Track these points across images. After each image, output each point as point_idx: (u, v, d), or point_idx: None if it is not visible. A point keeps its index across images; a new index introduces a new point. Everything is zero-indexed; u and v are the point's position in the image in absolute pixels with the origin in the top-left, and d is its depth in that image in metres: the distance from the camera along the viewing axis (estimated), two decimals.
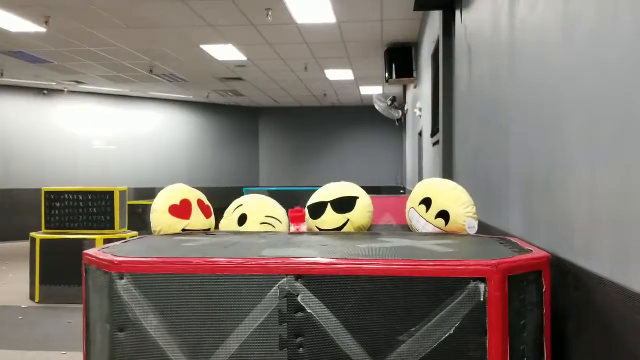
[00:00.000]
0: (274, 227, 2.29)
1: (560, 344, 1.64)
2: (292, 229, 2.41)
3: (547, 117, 1.82)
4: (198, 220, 2.19)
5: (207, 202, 2.29)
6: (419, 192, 2.25)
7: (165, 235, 2.14)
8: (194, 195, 2.25)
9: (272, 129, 17.67)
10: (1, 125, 12.81)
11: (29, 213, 12.09)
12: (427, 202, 2.17)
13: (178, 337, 1.50)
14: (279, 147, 17.60)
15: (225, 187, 15.61)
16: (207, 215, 2.25)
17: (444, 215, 2.11)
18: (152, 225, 2.19)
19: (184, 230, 2.16)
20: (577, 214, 1.53)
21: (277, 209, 2.37)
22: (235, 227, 2.27)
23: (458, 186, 2.22)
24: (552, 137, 1.76)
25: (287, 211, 2.41)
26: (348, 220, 2.24)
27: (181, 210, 2.17)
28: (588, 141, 1.46)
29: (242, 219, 2.28)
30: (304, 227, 2.37)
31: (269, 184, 16.89)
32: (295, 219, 2.40)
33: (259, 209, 2.32)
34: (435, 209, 2.13)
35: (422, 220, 2.18)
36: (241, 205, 2.33)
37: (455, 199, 2.14)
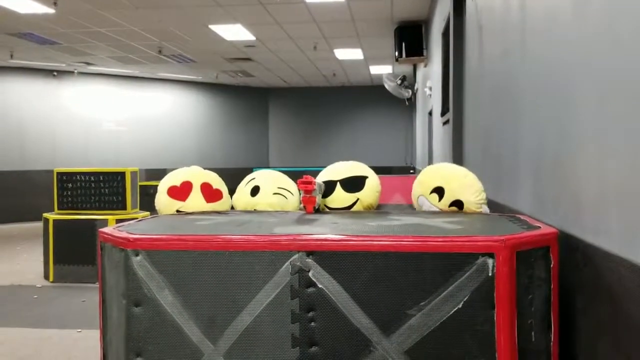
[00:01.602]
0: (285, 197, 2.32)
1: (568, 319, 1.66)
2: (301, 196, 2.38)
3: (557, 94, 1.82)
4: (194, 203, 2.22)
5: (216, 186, 2.30)
6: (429, 179, 2.24)
7: (179, 214, 2.17)
8: (200, 178, 2.27)
9: (282, 110, 17.65)
10: (13, 107, 12.89)
11: (42, 194, 12.22)
12: (439, 191, 2.17)
13: (192, 312, 1.53)
14: (289, 128, 17.60)
15: (235, 167, 15.66)
16: (210, 199, 2.26)
17: (457, 204, 2.12)
18: (154, 203, 2.27)
19: (177, 211, 2.20)
20: (586, 190, 1.54)
21: (288, 182, 2.41)
22: (248, 198, 2.30)
23: (469, 173, 2.22)
24: (562, 114, 1.76)
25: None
26: (357, 199, 2.27)
27: (179, 191, 2.22)
28: (598, 118, 1.46)
29: (255, 190, 2.32)
30: (316, 196, 2.32)
31: (278, 164, 16.92)
32: (306, 189, 2.40)
33: (271, 181, 2.37)
34: (448, 198, 2.14)
35: (434, 209, 2.18)
36: (253, 178, 2.38)
37: (468, 186, 2.14)
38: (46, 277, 6.80)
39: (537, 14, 2.11)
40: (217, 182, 2.31)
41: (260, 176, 2.39)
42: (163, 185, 2.24)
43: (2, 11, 8.06)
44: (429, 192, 2.20)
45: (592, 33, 1.51)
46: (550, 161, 1.89)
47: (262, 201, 2.29)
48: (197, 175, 2.28)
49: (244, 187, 2.36)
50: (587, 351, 1.53)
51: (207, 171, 2.33)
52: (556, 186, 1.82)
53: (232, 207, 2.36)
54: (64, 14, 8.21)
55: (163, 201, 2.22)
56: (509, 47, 2.60)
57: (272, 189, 2.33)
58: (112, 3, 7.70)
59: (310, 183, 2.15)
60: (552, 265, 1.56)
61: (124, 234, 1.60)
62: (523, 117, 2.31)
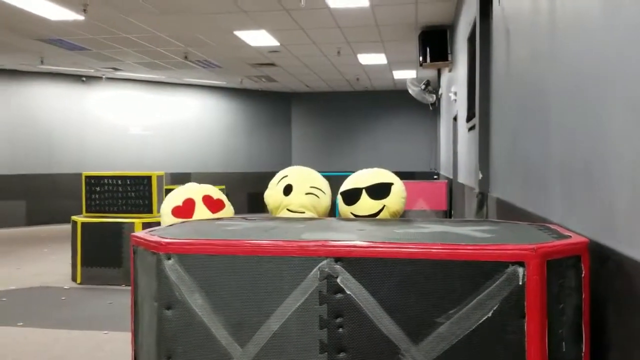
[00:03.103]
0: (318, 197, 2.33)
1: (600, 330, 1.64)
2: None
3: (588, 100, 1.80)
4: (201, 216, 2.26)
5: (217, 196, 2.33)
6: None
7: (207, 219, 2.20)
8: (199, 192, 2.30)
9: (305, 114, 17.69)
10: (42, 112, 13.16)
11: (69, 197, 12.46)
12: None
13: (222, 316, 1.55)
14: (311, 132, 17.63)
15: (258, 172, 15.77)
16: (214, 209, 2.29)
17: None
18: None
19: None
20: (619, 199, 1.52)
21: (321, 180, 2.42)
22: (281, 197, 2.32)
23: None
24: (593, 120, 1.74)
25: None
26: (384, 206, 2.26)
27: (183, 210, 2.26)
28: (632, 124, 1.45)
29: (288, 189, 2.33)
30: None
31: None
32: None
33: (304, 180, 2.37)
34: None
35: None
36: (286, 176, 2.38)
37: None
38: (74, 279, 6.91)
39: (566, 18, 2.10)
40: (216, 193, 2.35)
41: (292, 174, 2.40)
42: (166, 207, 2.27)
43: (33, 18, 8.24)
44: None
45: (624, 36, 1.49)
46: (581, 169, 1.87)
47: (295, 201, 2.31)
48: (196, 190, 2.32)
49: (276, 186, 2.37)
50: None
51: (203, 185, 2.37)
52: (587, 194, 1.80)
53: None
54: (93, 20, 8.36)
55: (170, 222, 2.23)
56: (538, 51, 2.58)
57: (304, 189, 2.34)
58: (140, 10, 7.82)
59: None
60: (583, 275, 1.54)
61: (157, 238, 1.63)
62: (552, 123, 2.29)
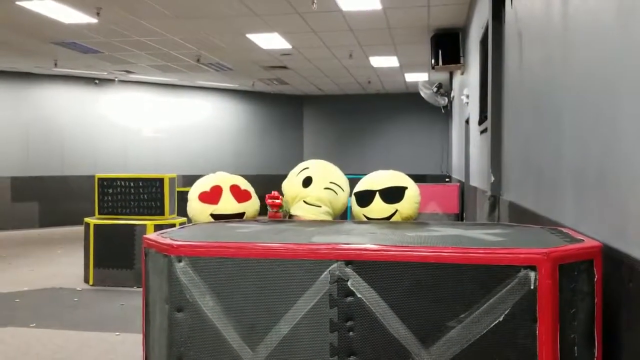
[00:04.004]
0: (336, 193, 2.32)
1: (613, 335, 1.62)
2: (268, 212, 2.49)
3: (601, 104, 1.79)
4: (227, 204, 2.28)
5: (244, 187, 2.36)
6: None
7: (218, 222, 2.21)
8: (228, 181, 2.33)
9: (316, 117, 17.71)
10: (55, 114, 13.28)
11: (82, 199, 12.55)
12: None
13: (232, 318, 1.56)
14: (323, 135, 17.64)
15: (269, 174, 15.79)
16: (241, 200, 2.32)
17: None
18: (187, 212, 2.33)
19: (212, 215, 2.25)
20: (632, 203, 1.51)
21: (341, 177, 2.41)
22: (299, 188, 2.32)
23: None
24: (606, 125, 1.73)
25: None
26: (396, 210, 2.25)
27: (210, 196, 2.28)
28: None
29: (307, 181, 2.32)
30: (281, 213, 2.47)
31: None
32: (272, 205, 2.48)
33: (324, 174, 2.36)
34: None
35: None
36: (307, 167, 2.38)
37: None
38: (86, 280, 6.96)
39: (579, 22, 2.08)
40: (244, 184, 2.38)
41: (314, 166, 2.39)
42: (194, 192, 2.30)
43: (47, 21, 8.33)
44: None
45: (638, 41, 1.48)
46: (594, 172, 1.85)
47: (313, 194, 2.30)
48: (225, 179, 2.34)
49: (296, 176, 2.36)
50: None
51: (233, 175, 2.39)
52: (600, 198, 1.79)
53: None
54: (106, 23, 8.43)
55: (195, 207, 2.27)
56: (550, 55, 2.57)
57: (324, 183, 2.33)
58: (153, 13, 7.88)
59: (277, 198, 2.19)
60: (595, 279, 1.53)
61: (168, 241, 1.64)
62: (565, 126, 2.28)
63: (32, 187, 12.85)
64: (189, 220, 2.40)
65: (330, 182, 2.33)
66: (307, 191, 2.30)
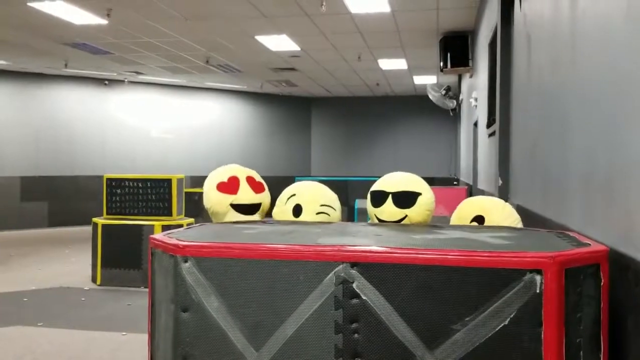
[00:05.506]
0: (329, 215, 2.29)
1: (619, 340, 1.62)
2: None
3: (609, 109, 1.78)
4: (245, 195, 2.27)
5: (258, 179, 2.37)
6: (467, 210, 2.26)
7: (225, 223, 2.22)
8: (243, 172, 2.33)
9: (325, 119, 17.73)
10: (64, 114, 13.37)
11: (90, 199, 12.63)
12: (479, 220, 2.19)
13: (238, 319, 1.56)
14: (331, 137, 17.65)
15: (277, 176, 15.81)
16: (257, 191, 2.32)
17: None
18: (204, 203, 2.29)
19: (231, 204, 2.24)
20: None
21: (330, 195, 2.36)
22: (290, 218, 2.29)
23: (506, 204, 2.26)
24: (614, 129, 1.72)
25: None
26: (406, 215, 2.21)
27: (228, 186, 2.27)
28: None
29: (297, 210, 2.27)
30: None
31: (320, 174, 16.97)
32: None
33: (313, 198, 2.30)
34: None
35: None
36: (294, 195, 2.31)
37: (507, 216, 2.17)
38: (94, 280, 7.00)
39: (588, 25, 2.08)
40: (257, 176, 2.39)
41: (301, 192, 2.32)
42: (211, 182, 2.28)
43: (58, 22, 8.39)
44: (469, 221, 2.20)
45: None
46: (602, 177, 1.84)
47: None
48: (241, 170, 2.35)
49: (285, 205, 2.30)
50: None
51: (245, 167, 2.40)
52: (607, 203, 1.78)
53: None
54: (116, 25, 8.49)
55: (214, 197, 2.24)
56: (559, 58, 2.56)
57: (314, 208, 2.27)
58: (163, 15, 7.92)
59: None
60: (602, 284, 1.52)
61: (174, 241, 1.65)
62: (573, 130, 2.27)
63: (41, 186, 12.93)
64: (206, 213, 2.36)
65: (321, 205, 2.28)
66: (299, 221, 2.25)
